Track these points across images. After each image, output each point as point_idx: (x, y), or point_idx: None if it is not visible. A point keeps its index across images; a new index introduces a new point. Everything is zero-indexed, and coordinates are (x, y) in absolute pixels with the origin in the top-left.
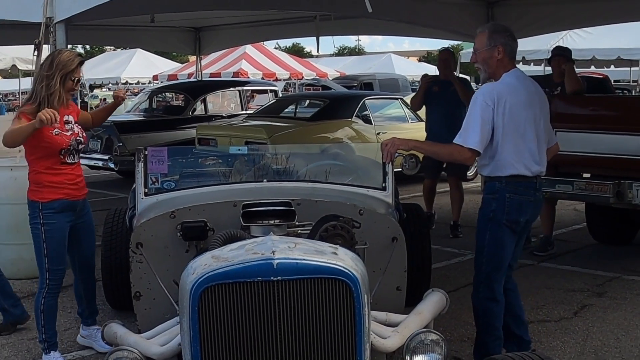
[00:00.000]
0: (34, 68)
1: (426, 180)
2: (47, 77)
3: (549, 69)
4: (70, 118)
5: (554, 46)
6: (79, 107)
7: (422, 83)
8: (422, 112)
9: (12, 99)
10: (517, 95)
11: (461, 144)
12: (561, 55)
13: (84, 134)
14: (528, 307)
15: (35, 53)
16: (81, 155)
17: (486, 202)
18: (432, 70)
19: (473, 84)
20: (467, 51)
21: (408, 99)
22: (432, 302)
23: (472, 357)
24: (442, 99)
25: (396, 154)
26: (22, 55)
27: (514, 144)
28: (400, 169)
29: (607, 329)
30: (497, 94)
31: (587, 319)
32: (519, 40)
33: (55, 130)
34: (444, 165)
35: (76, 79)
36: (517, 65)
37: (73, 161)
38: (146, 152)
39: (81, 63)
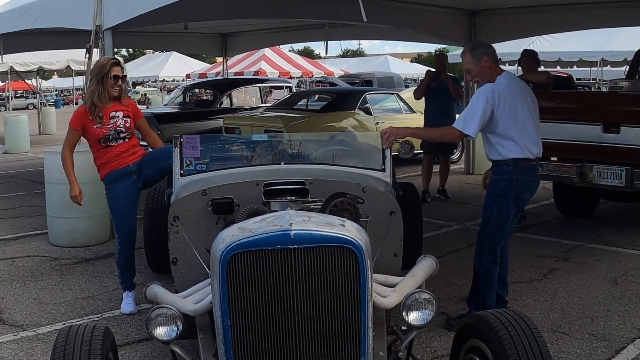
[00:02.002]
0: (85, 68)
1: (426, 157)
2: (89, 81)
3: (520, 68)
4: (119, 114)
5: (527, 47)
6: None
7: (425, 77)
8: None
9: (67, 94)
10: (513, 93)
11: (460, 129)
12: (528, 55)
13: (127, 125)
14: None
15: (87, 56)
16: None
17: (496, 182)
18: (422, 69)
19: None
20: (452, 53)
21: (403, 94)
22: (424, 266)
23: (457, 313)
24: (438, 93)
25: (394, 141)
26: (75, 57)
27: (516, 131)
28: (396, 154)
29: (571, 289)
30: (498, 94)
31: (555, 281)
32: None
33: (96, 125)
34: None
35: (113, 75)
36: None
37: (117, 144)
38: (182, 140)
39: (116, 64)
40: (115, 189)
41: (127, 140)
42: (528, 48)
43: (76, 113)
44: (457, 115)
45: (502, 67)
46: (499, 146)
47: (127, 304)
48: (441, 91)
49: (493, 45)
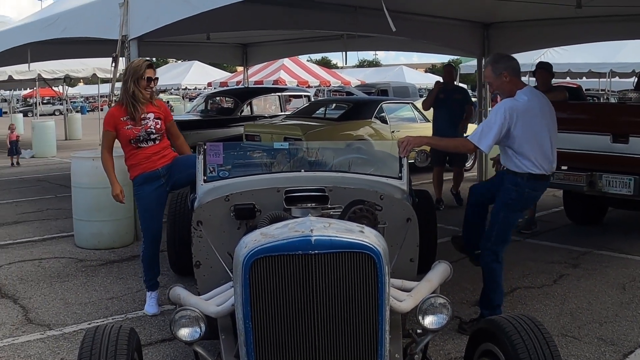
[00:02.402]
0: (111, 76)
1: (435, 168)
2: (124, 83)
3: (532, 79)
4: (150, 115)
5: (537, 60)
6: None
7: (434, 88)
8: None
9: (92, 101)
10: (533, 109)
11: (475, 143)
12: (543, 68)
13: (158, 126)
14: (516, 275)
15: (113, 64)
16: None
17: (507, 191)
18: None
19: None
20: (465, 64)
21: (417, 104)
22: (439, 271)
23: (470, 317)
24: (446, 104)
25: (411, 150)
26: (101, 65)
27: (532, 149)
28: (412, 162)
29: (580, 294)
30: (516, 112)
31: (565, 286)
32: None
33: (128, 125)
34: (447, 158)
35: (147, 77)
36: None
37: (147, 145)
38: (205, 147)
39: (149, 66)
40: (143, 190)
41: (157, 142)
42: (542, 60)
43: (108, 115)
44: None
45: None
46: (516, 159)
47: (150, 306)
48: (449, 102)
49: None
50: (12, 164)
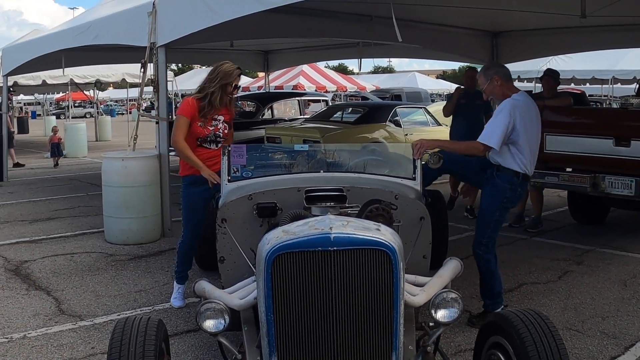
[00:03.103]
0: (140, 81)
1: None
2: (210, 81)
3: (539, 86)
4: (220, 117)
5: (543, 67)
6: (172, 114)
7: (455, 94)
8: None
9: (121, 105)
10: (530, 112)
11: (485, 142)
12: (549, 75)
13: (226, 131)
14: (523, 272)
15: (141, 70)
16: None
17: (502, 189)
18: (447, 85)
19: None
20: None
21: (430, 108)
22: (450, 268)
23: (479, 310)
24: (467, 110)
25: (424, 152)
26: (130, 71)
27: (528, 151)
28: (425, 163)
29: (584, 290)
30: (518, 109)
31: (569, 282)
32: (516, 63)
33: (200, 122)
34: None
35: (234, 84)
36: (514, 82)
37: (209, 147)
38: (229, 148)
39: (239, 74)
40: (190, 190)
41: (219, 146)
42: (548, 67)
43: (186, 102)
44: None
45: (520, 83)
46: (517, 157)
47: (176, 298)
48: (470, 108)
49: (513, 63)
50: (56, 165)
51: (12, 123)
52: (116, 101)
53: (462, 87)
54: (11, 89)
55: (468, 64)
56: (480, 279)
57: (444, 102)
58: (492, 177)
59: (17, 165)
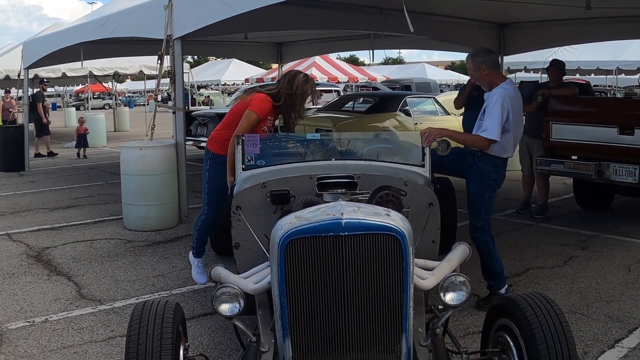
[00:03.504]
0: (157, 73)
1: None
2: (290, 97)
3: (544, 76)
4: (270, 118)
5: (549, 58)
6: (189, 105)
7: (467, 86)
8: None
9: (139, 96)
10: (518, 101)
11: (489, 137)
12: (555, 66)
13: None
14: (529, 257)
15: (158, 62)
16: (191, 137)
17: (487, 172)
18: (456, 75)
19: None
20: None
21: (439, 98)
22: (459, 252)
23: (487, 293)
24: (479, 102)
25: (432, 140)
26: (147, 63)
27: (512, 137)
28: (433, 150)
29: (589, 275)
30: (509, 97)
31: (574, 267)
32: (522, 54)
33: (264, 126)
34: None
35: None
36: (521, 72)
37: None
38: (244, 138)
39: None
40: (219, 170)
41: None
42: (554, 58)
43: (264, 102)
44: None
45: (527, 74)
46: (503, 144)
47: (199, 274)
48: (482, 100)
49: (520, 54)
50: (79, 155)
51: (46, 114)
52: (134, 93)
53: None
54: (45, 80)
55: None
56: (481, 262)
57: (453, 92)
58: (474, 163)
59: (50, 154)
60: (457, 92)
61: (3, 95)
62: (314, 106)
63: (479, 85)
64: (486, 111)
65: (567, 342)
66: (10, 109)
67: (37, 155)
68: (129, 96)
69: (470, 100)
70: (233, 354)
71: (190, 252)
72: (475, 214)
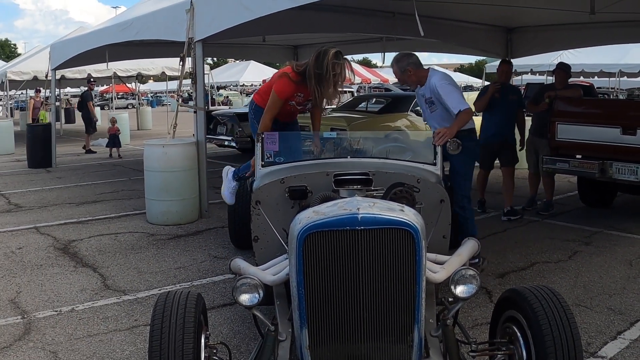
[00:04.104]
0: (179, 74)
1: (481, 170)
2: (319, 75)
3: (550, 78)
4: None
5: (554, 61)
6: (209, 105)
7: (490, 88)
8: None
9: (161, 96)
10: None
11: (464, 109)
12: (561, 69)
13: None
14: (535, 251)
15: (180, 63)
16: (212, 136)
17: (470, 148)
18: (464, 77)
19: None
20: (490, 64)
21: None
22: (468, 247)
23: (497, 288)
24: (501, 104)
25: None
26: (169, 64)
27: None
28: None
29: (592, 269)
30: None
31: (578, 262)
32: (529, 57)
33: (292, 102)
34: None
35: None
36: (527, 74)
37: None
38: (263, 136)
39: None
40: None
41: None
42: (560, 61)
43: (285, 83)
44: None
45: (533, 76)
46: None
47: (230, 194)
48: (505, 103)
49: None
50: (111, 155)
51: (94, 111)
52: (162, 93)
53: (497, 82)
54: (92, 79)
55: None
56: (459, 230)
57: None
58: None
59: (89, 151)
60: (467, 94)
61: (33, 94)
62: (329, 106)
63: (501, 87)
64: (442, 95)
65: (572, 333)
66: (37, 107)
67: (88, 151)
68: (157, 96)
69: (492, 103)
70: (252, 343)
71: (231, 172)
72: (464, 186)
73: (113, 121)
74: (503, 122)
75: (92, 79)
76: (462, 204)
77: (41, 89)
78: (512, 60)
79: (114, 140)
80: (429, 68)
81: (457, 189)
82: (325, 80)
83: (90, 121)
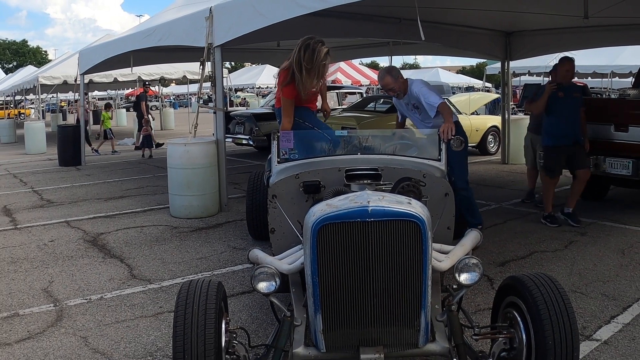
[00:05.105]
0: (199, 77)
1: (551, 179)
2: (308, 70)
3: (547, 79)
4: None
5: (551, 63)
6: (227, 106)
7: (548, 89)
8: (463, 108)
9: (183, 99)
10: None
11: (442, 101)
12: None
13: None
14: (534, 241)
15: (200, 67)
16: (230, 135)
17: (465, 139)
18: (466, 79)
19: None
20: (491, 66)
21: (452, 99)
22: (471, 238)
23: (498, 275)
24: (565, 104)
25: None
26: (190, 68)
27: None
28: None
29: (587, 258)
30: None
31: (574, 251)
32: (526, 59)
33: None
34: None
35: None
36: (525, 75)
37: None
38: (279, 134)
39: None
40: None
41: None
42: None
43: (285, 87)
44: None
45: (530, 77)
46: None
47: None
48: (569, 103)
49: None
50: (144, 155)
51: (146, 110)
52: (177, 96)
53: (553, 82)
54: (147, 82)
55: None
56: (466, 208)
57: (464, 94)
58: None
59: (138, 148)
60: (469, 94)
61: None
62: (340, 107)
63: (562, 85)
64: (425, 97)
65: (569, 317)
66: (87, 110)
67: (137, 148)
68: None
69: (554, 104)
70: (269, 328)
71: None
72: (464, 173)
73: (146, 122)
74: (571, 122)
75: (147, 82)
76: (463, 186)
77: (87, 92)
78: (511, 62)
79: (147, 141)
80: (407, 78)
81: (457, 176)
82: (313, 73)
83: (142, 121)
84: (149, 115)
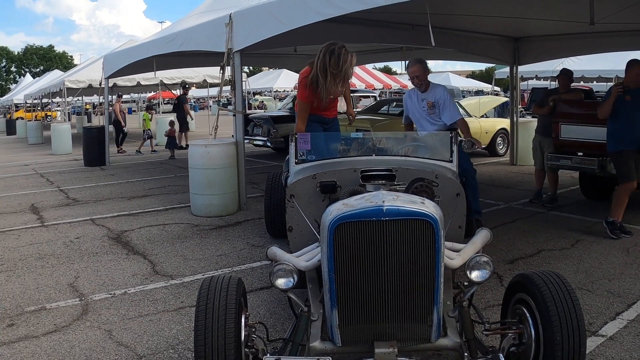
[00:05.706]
0: (219, 81)
1: (627, 184)
2: (333, 74)
3: (554, 83)
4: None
5: (557, 67)
6: (246, 109)
7: (614, 92)
8: (474, 111)
9: (203, 102)
10: None
11: (461, 117)
12: (564, 74)
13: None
14: (541, 240)
15: (220, 72)
16: (250, 136)
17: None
18: (476, 83)
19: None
20: (500, 71)
21: (462, 102)
22: (482, 236)
23: (507, 273)
24: (633, 107)
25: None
26: (210, 73)
27: None
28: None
29: (593, 256)
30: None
31: (580, 249)
32: (534, 64)
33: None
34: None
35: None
36: (532, 80)
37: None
38: (297, 136)
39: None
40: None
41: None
42: (563, 67)
43: (302, 88)
44: None
45: (537, 81)
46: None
47: None
48: (638, 104)
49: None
50: (172, 156)
51: (189, 111)
52: (197, 99)
53: (619, 84)
54: (186, 85)
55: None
56: (471, 200)
57: (474, 97)
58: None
59: (181, 147)
60: (479, 97)
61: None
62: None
63: (630, 89)
64: (446, 104)
65: (576, 314)
66: (122, 111)
67: (180, 147)
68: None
69: (621, 108)
70: (287, 322)
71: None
72: (469, 169)
73: (171, 124)
74: (634, 126)
75: (186, 85)
76: (473, 178)
77: (122, 94)
78: (519, 67)
79: (172, 142)
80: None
81: (467, 176)
82: (339, 78)
83: (183, 121)
84: (188, 116)
